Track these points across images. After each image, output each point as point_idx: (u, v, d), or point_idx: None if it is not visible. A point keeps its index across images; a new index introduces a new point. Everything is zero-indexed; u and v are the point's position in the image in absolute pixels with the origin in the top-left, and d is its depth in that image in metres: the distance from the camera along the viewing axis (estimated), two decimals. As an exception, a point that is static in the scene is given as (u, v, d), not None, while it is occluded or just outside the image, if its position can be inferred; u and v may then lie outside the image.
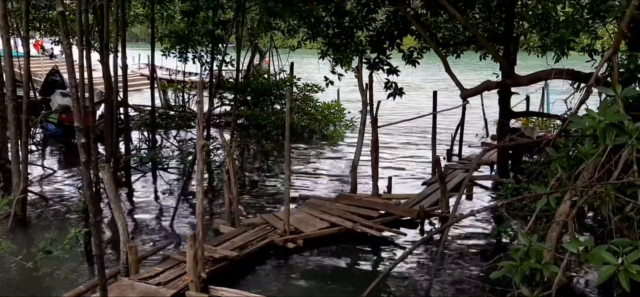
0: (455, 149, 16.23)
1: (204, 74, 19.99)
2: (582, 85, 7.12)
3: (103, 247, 8.83)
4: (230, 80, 19.20)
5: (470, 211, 9.62)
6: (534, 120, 17.27)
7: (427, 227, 10.62)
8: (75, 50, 8.65)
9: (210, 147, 15.00)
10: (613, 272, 3.26)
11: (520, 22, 12.94)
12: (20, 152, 10.42)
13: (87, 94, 10.89)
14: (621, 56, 6.35)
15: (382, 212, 10.61)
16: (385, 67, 12.19)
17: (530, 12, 10.94)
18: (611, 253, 3.35)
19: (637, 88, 6.27)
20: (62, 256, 8.16)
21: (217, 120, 19.46)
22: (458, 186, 11.85)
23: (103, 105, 14.73)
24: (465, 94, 10.33)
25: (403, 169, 15.02)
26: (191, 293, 7.23)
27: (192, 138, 17.38)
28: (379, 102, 11.87)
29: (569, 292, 7.59)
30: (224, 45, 14.36)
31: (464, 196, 11.02)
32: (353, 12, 12.60)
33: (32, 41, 24.58)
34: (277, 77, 21.33)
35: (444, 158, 15.40)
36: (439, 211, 10.65)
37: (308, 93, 20.69)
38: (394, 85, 12.63)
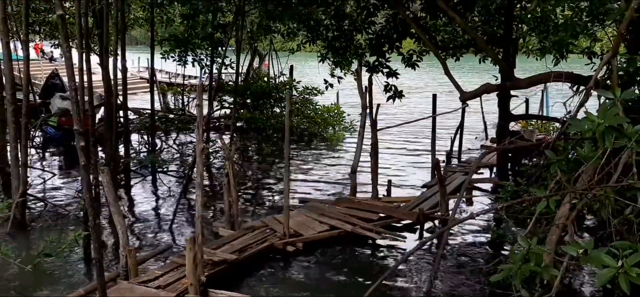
0: (455, 151, 16.25)
1: (203, 77, 20.02)
2: (582, 88, 7.10)
3: (102, 250, 8.81)
4: (230, 83, 19.18)
5: (470, 214, 9.61)
6: (533, 123, 17.25)
7: (426, 231, 10.61)
8: (75, 54, 8.68)
9: (210, 151, 15.00)
10: (613, 275, 3.26)
11: (520, 25, 12.92)
12: (19, 156, 10.40)
13: (86, 97, 10.89)
14: (620, 59, 6.34)
15: (382, 215, 10.61)
16: (385, 70, 12.19)
17: (529, 15, 10.93)
18: (611, 256, 3.35)
19: (637, 91, 6.26)
20: (62, 259, 8.18)
21: (217, 124, 19.47)
22: (458, 189, 11.87)
23: (103, 108, 14.74)
24: (465, 97, 10.32)
25: (403, 171, 15.03)
26: (190, 296, 7.22)
27: (192, 141, 17.37)
28: (379, 105, 11.89)
29: (568, 295, 7.58)
30: (224, 48, 14.37)
31: (463, 199, 11.01)
32: (352, 15, 12.60)
33: (31, 44, 24.65)
34: (277, 80, 21.32)
35: (444, 161, 15.40)
36: (439, 213, 10.65)
37: (307, 96, 20.67)
38: (393, 88, 12.63)
